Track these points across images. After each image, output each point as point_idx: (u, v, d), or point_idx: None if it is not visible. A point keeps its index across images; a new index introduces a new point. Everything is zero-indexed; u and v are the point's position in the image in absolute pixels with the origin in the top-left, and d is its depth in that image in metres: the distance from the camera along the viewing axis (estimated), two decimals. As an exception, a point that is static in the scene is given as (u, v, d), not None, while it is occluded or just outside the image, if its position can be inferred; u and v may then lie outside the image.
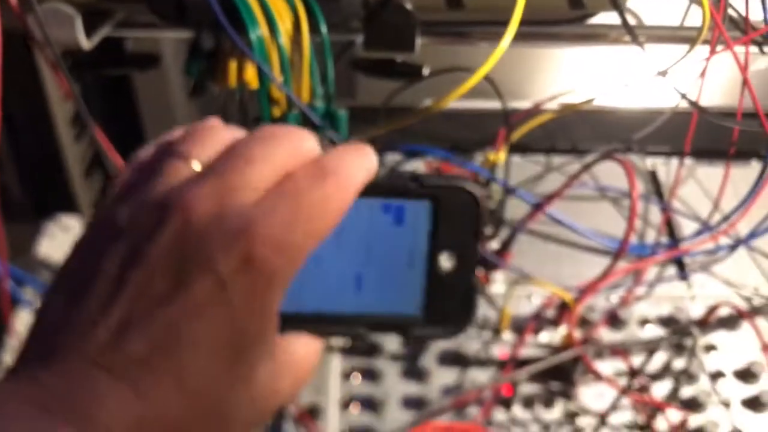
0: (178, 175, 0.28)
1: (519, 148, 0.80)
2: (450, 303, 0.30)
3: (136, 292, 0.26)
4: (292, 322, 0.29)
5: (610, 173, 0.78)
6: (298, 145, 0.28)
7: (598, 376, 0.60)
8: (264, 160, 0.27)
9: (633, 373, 0.63)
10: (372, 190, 0.29)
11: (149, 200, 0.27)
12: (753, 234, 0.69)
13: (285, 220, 0.26)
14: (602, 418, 0.60)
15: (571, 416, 0.61)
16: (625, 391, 0.60)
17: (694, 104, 0.62)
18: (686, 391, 0.62)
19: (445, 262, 0.30)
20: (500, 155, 0.76)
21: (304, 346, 0.30)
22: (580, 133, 0.85)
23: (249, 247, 0.26)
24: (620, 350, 0.62)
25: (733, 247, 0.71)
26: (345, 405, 0.61)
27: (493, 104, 0.85)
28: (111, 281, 0.26)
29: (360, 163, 0.29)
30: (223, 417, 0.27)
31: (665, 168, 0.82)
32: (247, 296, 0.26)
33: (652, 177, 0.81)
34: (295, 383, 0.30)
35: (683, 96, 0.62)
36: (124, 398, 0.25)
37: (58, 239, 0.89)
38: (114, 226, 0.27)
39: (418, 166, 0.79)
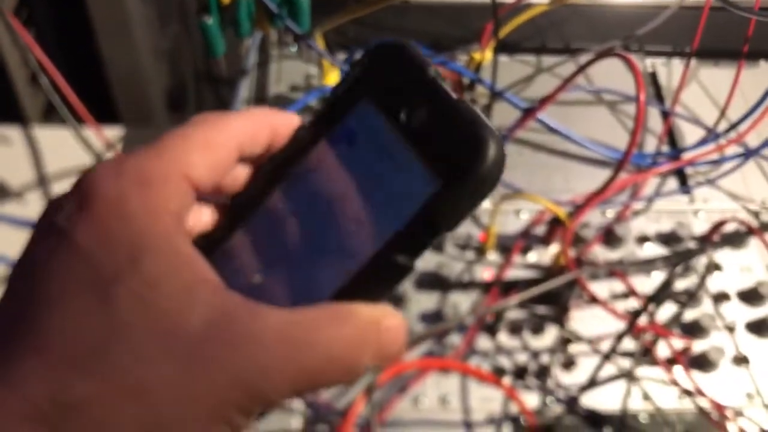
0: None
1: (507, 46, 0.71)
2: (457, 146, 0.23)
3: None
4: None
5: (607, 74, 0.70)
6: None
7: (594, 300, 0.54)
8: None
9: (631, 295, 0.57)
10: (311, 136, 0.26)
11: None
12: (765, 143, 0.62)
13: (133, 154, 0.24)
14: (597, 345, 0.55)
15: (562, 343, 0.55)
16: (622, 315, 0.54)
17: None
18: (688, 315, 0.56)
19: (419, 118, 0.24)
20: (486, 54, 0.67)
21: (326, 313, 0.23)
22: (573, 30, 0.76)
23: (85, 185, 0.23)
24: (618, 271, 0.55)
25: (740, 158, 0.64)
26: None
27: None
28: None
29: (248, 115, 0.27)
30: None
31: (666, 70, 0.74)
32: (97, 229, 0.23)
33: (652, 79, 0.73)
34: (312, 367, 0.22)
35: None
36: None
37: (-4, 151, 0.81)
38: None
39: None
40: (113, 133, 0.83)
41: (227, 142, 0.25)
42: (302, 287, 0.25)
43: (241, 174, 0.27)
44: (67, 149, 0.80)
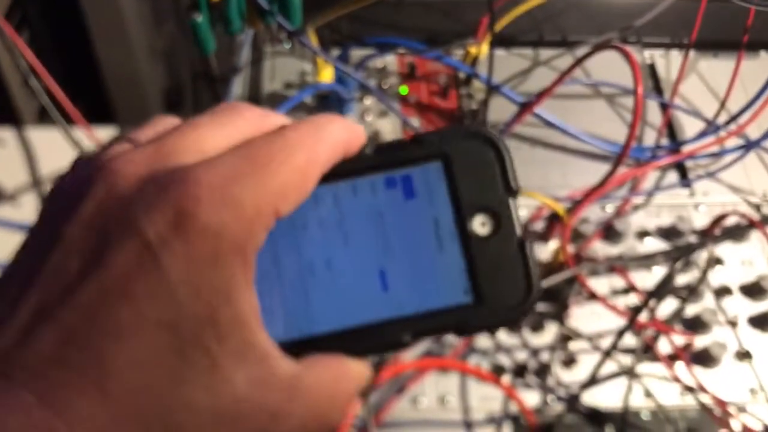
0: (116, 150, 0.23)
1: (503, 40, 0.71)
2: (502, 274, 0.24)
3: (51, 279, 0.20)
4: (310, 347, 0.24)
5: (605, 67, 0.69)
6: (258, 115, 0.24)
7: (594, 297, 0.53)
8: (214, 124, 0.23)
9: (631, 291, 0.56)
10: (368, 165, 0.24)
11: (74, 176, 0.22)
12: (766, 135, 0.61)
13: (231, 170, 0.21)
14: (598, 342, 0.54)
15: (562, 341, 0.55)
16: (623, 312, 0.53)
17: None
18: (689, 310, 0.56)
19: (480, 226, 0.24)
20: (482, 48, 0.66)
21: (325, 370, 0.24)
22: (570, 22, 0.75)
23: (183, 202, 0.20)
24: (618, 267, 0.55)
25: (741, 150, 0.63)
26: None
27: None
28: (24, 272, 0.21)
29: (335, 123, 0.24)
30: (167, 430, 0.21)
31: (664, 61, 0.73)
32: (188, 265, 0.20)
33: (651, 71, 0.72)
34: (317, 414, 0.23)
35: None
36: (23, 407, 0.19)
37: (-11, 153, 0.80)
38: (41, 214, 0.22)
39: (388, 61, 0.69)
40: (107, 133, 0.83)
41: (317, 169, 0.23)
42: (300, 310, 0.24)
43: None
44: (61, 151, 0.79)
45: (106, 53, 1.14)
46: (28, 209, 0.75)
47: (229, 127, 0.23)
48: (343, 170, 0.24)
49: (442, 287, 0.24)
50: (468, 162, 0.24)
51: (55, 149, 0.80)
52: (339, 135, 0.24)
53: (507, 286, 0.24)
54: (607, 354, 0.50)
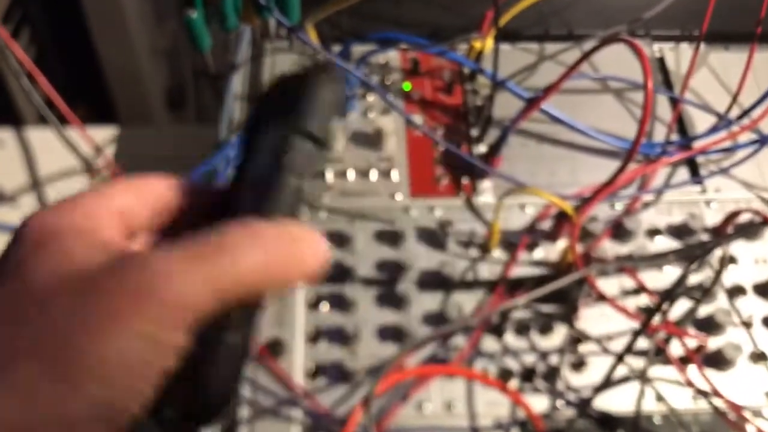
0: None
1: (508, 34, 0.69)
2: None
3: None
4: None
5: (613, 61, 0.67)
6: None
7: (603, 299, 0.52)
8: None
9: (642, 292, 0.55)
10: None
11: None
12: (779, 128, 0.59)
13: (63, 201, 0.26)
14: (608, 345, 0.53)
15: (572, 343, 0.53)
16: (635, 315, 0.51)
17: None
18: (702, 310, 0.54)
19: None
20: (487, 43, 0.65)
21: None
22: (576, 15, 0.74)
23: None
24: (628, 268, 0.53)
25: (754, 145, 0.62)
26: (312, 339, 0.53)
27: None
28: None
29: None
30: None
31: (674, 55, 0.71)
32: None
33: (660, 65, 0.70)
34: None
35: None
36: None
37: (-11, 153, 0.79)
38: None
39: (391, 57, 0.68)
40: (105, 133, 0.81)
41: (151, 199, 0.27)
42: None
43: None
44: (59, 152, 0.78)
45: (107, 52, 1.13)
46: (27, 210, 0.74)
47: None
48: None
49: None
50: None
51: (54, 150, 0.79)
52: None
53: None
54: (620, 358, 0.49)
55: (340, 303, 0.54)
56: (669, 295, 0.47)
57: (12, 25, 0.92)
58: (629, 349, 0.48)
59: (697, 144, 0.63)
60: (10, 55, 0.58)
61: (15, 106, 0.90)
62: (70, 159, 0.75)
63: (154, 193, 0.27)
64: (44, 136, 0.81)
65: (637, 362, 0.52)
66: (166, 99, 1.26)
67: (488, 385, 0.50)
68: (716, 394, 0.50)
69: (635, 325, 0.52)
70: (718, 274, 0.50)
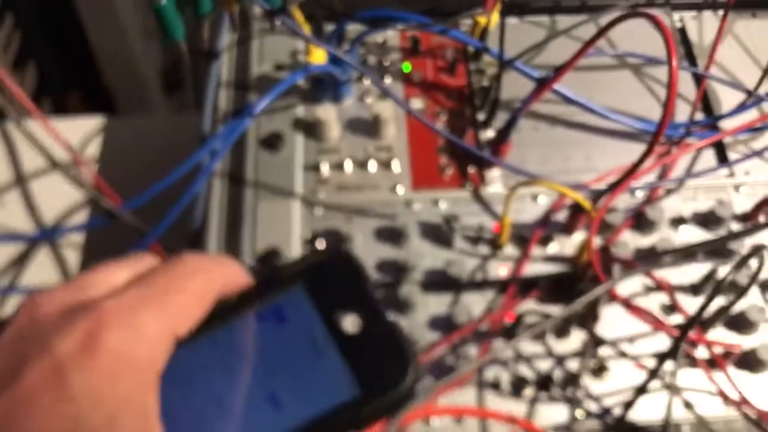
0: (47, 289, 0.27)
1: (515, 7, 0.64)
2: (381, 362, 0.27)
3: None
4: None
5: (629, 34, 0.62)
6: (160, 260, 0.28)
7: (629, 307, 0.47)
8: (122, 265, 0.27)
9: (665, 291, 0.50)
10: (239, 303, 0.28)
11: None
12: (815, 104, 0.54)
13: (132, 299, 0.25)
14: (629, 347, 0.48)
15: (591, 347, 0.49)
16: (668, 329, 0.47)
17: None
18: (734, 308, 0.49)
19: (351, 326, 0.27)
20: (493, 17, 0.60)
21: None
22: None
23: (91, 326, 0.24)
24: (655, 277, 0.48)
25: (787, 122, 0.57)
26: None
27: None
28: None
29: (221, 262, 0.28)
30: None
31: (696, 24, 0.66)
32: (92, 378, 0.24)
33: (682, 36, 0.65)
34: None
35: None
36: None
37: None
38: None
39: (389, 35, 0.63)
40: (96, 123, 0.77)
41: (210, 294, 0.27)
42: None
43: None
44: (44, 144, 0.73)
45: (98, 35, 1.09)
46: (12, 209, 0.70)
47: (134, 266, 0.27)
48: (220, 313, 0.27)
49: (330, 389, 0.26)
50: (326, 279, 0.28)
51: (39, 142, 0.75)
52: (229, 271, 0.28)
53: (389, 371, 0.26)
54: (654, 373, 0.44)
55: (339, 308, 0.50)
56: (700, 313, 0.43)
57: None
58: (662, 362, 0.44)
59: (725, 123, 0.58)
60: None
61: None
62: (52, 154, 0.71)
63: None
64: (24, 131, 0.77)
65: (663, 367, 0.47)
66: (161, 82, 1.22)
67: (502, 422, 0.46)
68: (745, 402, 0.46)
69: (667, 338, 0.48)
70: (758, 271, 0.45)
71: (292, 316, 0.27)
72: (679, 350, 0.44)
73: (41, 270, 0.67)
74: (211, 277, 0.27)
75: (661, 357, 0.45)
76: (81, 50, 1.11)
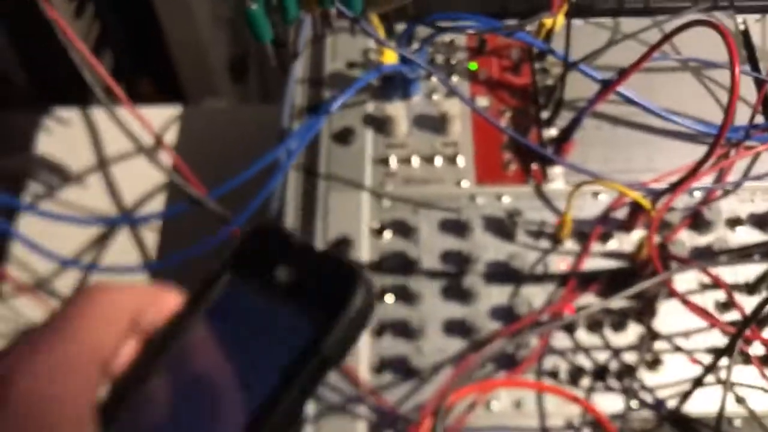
0: None
1: (580, 9, 0.65)
2: (329, 290, 0.27)
3: None
4: None
5: (691, 38, 0.63)
6: None
7: (686, 303, 0.49)
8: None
9: (722, 289, 0.52)
10: (183, 318, 0.28)
11: None
12: None
13: (39, 337, 0.25)
14: (684, 342, 0.50)
15: (647, 341, 0.51)
16: (723, 326, 0.49)
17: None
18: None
19: (289, 276, 0.27)
20: (558, 19, 0.62)
21: None
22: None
23: (6, 373, 0.24)
24: (711, 273, 0.50)
25: None
26: (377, 333, 0.52)
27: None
28: None
29: (130, 286, 0.28)
30: None
31: (760, 26, 0.67)
32: (8, 429, 0.24)
33: (744, 39, 0.66)
34: None
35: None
36: None
37: (55, 133, 0.80)
38: None
39: (456, 37, 0.65)
40: (171, 112, 0.81)
41: (120, 315, 0.27)
42: None
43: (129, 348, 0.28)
44: (124, 131, 0.78)
45: (170, 23, 1.13)
46: (92, 191, 0.75)
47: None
48: (169, 332, 0.27)
49: (294, 341, 0.26)
50: (249, 251, 0.29)
51: (119, 130, 0.79)
52: (141, 291, 0.28)
53: (338, 294, 0.26)
54: (710, 368, 0.46)
55: (405, 295, 0.53)
56: (757, 312, 0.44)
57: (75, 2, 0.92)
58: (715, 362, 0.46)
59: (785, 127, 0.59)
60: (73, 35, 0.57)
61: (80, 85, 0.91)
62: (134, 139, 0.75)
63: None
64: (109, 116, 0.81)
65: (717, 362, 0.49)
66: (229, 70, 1.26)
67: (559, 396, 0.48)
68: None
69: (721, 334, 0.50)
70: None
71: (234, 302, 0.28)
72: (735, 347, 0.45)
73: (122, 251, 0.72)
74: (117, 298, 0.27)
75: (718, 353, 0.47)
76: (153, 38, 1.15)
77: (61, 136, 0.80)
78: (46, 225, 0.65)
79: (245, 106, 1.22)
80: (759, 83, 0.61)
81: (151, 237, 0.72)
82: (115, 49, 1.09)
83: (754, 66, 0.64)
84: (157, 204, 0.75)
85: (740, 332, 0.44)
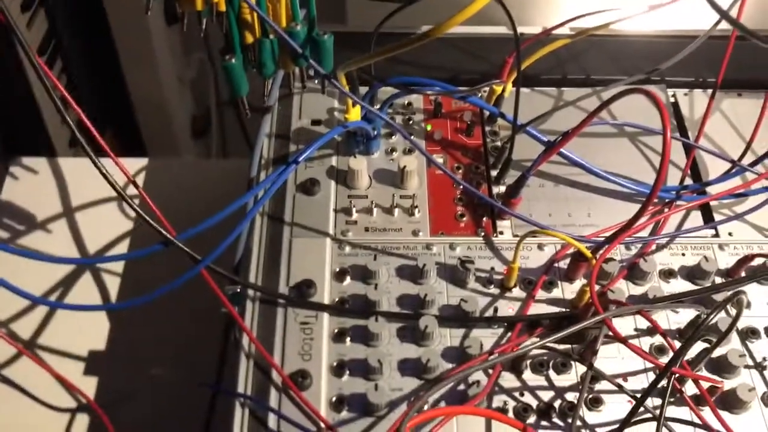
0: None
1: (527, 79, 0.71)
2: None
3: None
4: None
5: (627, 106, 0.69)
6: None
7: (623, 342, 0.53)
8: None
9: (658, 334, 0.56)
10: None
11: None
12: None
13: None
14: (624, 383, 0.54)
15: (588, 382, 0.54)
16: (657, 363, 0.53)
17: (736, 24, 0.54)
18: (716, 352, 0.55)
19: None
20: (507, 86, 0.67)
21: None
22: (593, 61, 0.76)
23: None
24: (646, 314, 0.55)
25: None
26: (336, 371, 0.54)
27: (498, 29, 0.77)
28: None
29: None
30: None
31: (688, 100, 0.74)
32: None
33: (675, 110, 0.73)
34: None
35: (724, 14, 0.54)
36: None
37: (22, 181, 0.82)
38: None
39: (414, 98, 0.70)
40: (136, 164, 0.84)
41: None
42: None
43: None
44: (91, 180, 0.80)
45: (136, 82, 1.17)
46: (59, 239, 0.77)
47: None
48: None
49: None
50: None
51: (85, 179, 0.82)
52: None
53: None
54: (639, 403, 0.50)
55: (364, 336, 0.56)
56: (686, 346, 0.49)
57: (45, 57, 0.95)
58: (647, 394, 0.50)
59: (712, 189, 0.65)
60: (49, 84, 0.60)
61: (47, 135, 0.93)
62: (103, 188, 0.78)
63: None
64: (76, 166, 0.83)
65: (652, 401, 0.53)
66: (190, 127, 1.29)
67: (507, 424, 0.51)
68: (728, 434, 0.51)
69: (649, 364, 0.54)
70: (736, 317, 0.52)
71: None
72: (663, 379, 0.49)
73: (86, 292, 0.73)
74: None
75: (650, 386, 0.50)
76: (117, 94, 1.18)
77: (28, 185, 0.82)
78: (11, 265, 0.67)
79: (207, 161, 1.25)
80: (688, 149, 0.67)
81: (114, 280, 0.74)
82: (79, 103, 1.11)
83: (683, 133, 0.70)
84: (122, 250, 0.77)
85: (670, 364, 0.48)
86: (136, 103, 1.17)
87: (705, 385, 0.53)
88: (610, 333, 0.53)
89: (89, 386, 0.67)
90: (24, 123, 0.90)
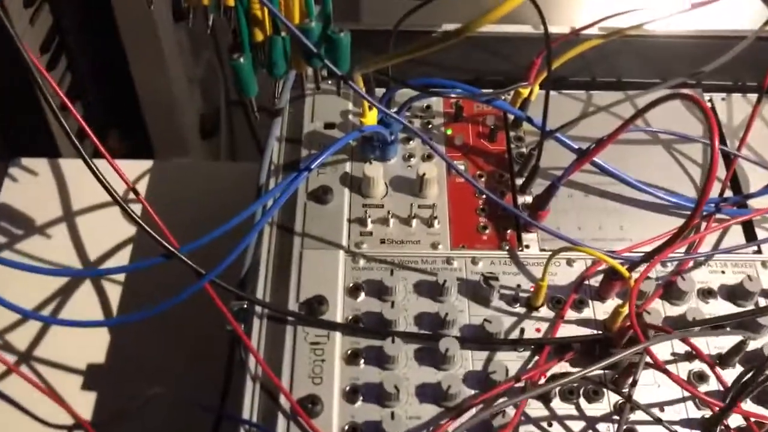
0: None
1: (554, 81, 0.67)
2: None
3: None
4: None
5: (659, 111, 0.65)
6: None
7: (666, 372, 0.49)
8: None
9: (694, 358, 0.52)
10: None
11: None
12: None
13: None
14: (660, 413, 0.50)
15: (621, 411, 0.50)
16: (709, 402, 0.49)
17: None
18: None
19: None
20: (534, 89, 0.63)
21: None
22: (624, 63, 0.72)
23: None
24: (689, 341, 0.50)
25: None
26: (349, 397, 0.50)
27: (523, 28, 0.73)
28: None
29: None
30: None
31: (725, 105, 0.69)
32: None
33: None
34: None
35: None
36: None
37: (21, 183, 0.78)
38: None
39: (434, 100, 0.66)
40: (142, 166, 0.80)
41: None
42: None
43: None
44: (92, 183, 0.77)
45: (144, 81, 1.13)
46: (58, 243, 0.73)
47: None
48: None
49: None
50: None
51: (87, 181, 0.78)
52: None
53: None
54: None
55: (379, 358, 0.52)
56: (739, 387, 0.45)
57: (48, 55, 0.92)
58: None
59: (753, 202, 0.60)
60: (46, 86, 0.57)
61: (51, 137, 0.90)
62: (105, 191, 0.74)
63: None
64: (78, 167, 0.80)
65: (692, 434, 0.49)
66: (199, 127, 1.26)
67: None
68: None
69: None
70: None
71: None
72: (719, 426, 0.45)
73: (85, 304, 0.70)
74: None
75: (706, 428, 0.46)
76: (123, 92, 1.15)
77: (28, 187, 0.79)
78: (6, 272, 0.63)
79: (215, 163, 1.21)
80: (728, 158, 0.63)
81: (115, 291, 0.71)
82: (84, 102, 1.08)
83: (722, 141, 0.66)
84: (123, 259, 0.73)
85: (728, 408, 0.44)
86: (144, 101, 1.14)
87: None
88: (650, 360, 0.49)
89: (85, 402, 0.64)
90: (25, 122, 0.87)
